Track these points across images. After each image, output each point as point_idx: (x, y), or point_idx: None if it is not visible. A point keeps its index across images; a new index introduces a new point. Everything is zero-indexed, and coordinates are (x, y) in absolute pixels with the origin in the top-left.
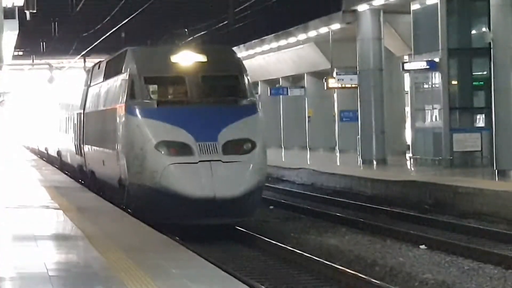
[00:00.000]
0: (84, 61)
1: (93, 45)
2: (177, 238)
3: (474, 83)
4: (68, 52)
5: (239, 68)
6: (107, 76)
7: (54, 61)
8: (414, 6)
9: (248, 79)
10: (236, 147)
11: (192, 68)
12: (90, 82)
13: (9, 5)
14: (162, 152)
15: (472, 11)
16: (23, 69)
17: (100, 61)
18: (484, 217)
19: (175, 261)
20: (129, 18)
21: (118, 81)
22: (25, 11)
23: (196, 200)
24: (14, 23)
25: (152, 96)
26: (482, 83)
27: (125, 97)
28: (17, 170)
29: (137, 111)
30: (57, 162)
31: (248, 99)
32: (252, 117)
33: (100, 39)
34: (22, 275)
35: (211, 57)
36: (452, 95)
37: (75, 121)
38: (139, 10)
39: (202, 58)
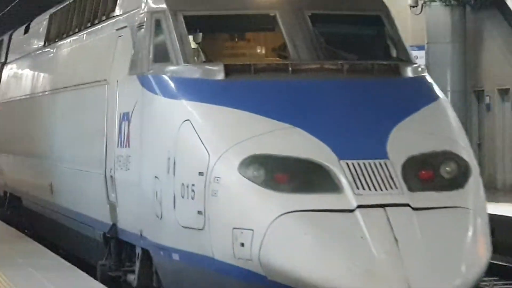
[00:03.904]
0: None
1: None
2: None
3: None
4: None
5: (380, 3)
6: (58, 35)
7: None
8: None
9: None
10: (431, 171)
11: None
12: (7, 58)
13: None
14: (259, 183)
15: None
16: None
17: (28, 22)
18: None
19: (22, 252)
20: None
21: (107, 32)
22: None
23: None
24: None
25: (208, 55)
26: None
27: (141, 61)
28: None
29: (181, 88)
30: None
31: (414, 64)
32: (439, 104)
33: None
34: None
35: None
36: None
37: None
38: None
39: None
